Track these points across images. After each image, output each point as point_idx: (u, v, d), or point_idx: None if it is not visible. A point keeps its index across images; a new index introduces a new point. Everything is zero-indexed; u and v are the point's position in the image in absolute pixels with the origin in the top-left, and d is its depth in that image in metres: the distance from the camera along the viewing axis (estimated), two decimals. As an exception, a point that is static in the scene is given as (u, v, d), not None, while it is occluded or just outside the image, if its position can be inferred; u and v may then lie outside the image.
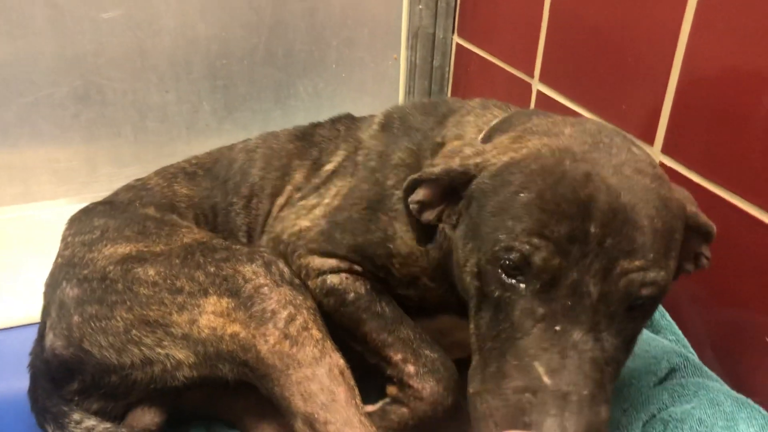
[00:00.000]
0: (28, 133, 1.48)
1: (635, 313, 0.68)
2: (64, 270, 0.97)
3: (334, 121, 1.17)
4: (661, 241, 0.66)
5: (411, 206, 0.80)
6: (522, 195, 0.68)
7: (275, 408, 0.88)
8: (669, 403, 0.92)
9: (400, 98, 1.74)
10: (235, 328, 0.85)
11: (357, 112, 1.65)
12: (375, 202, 0.96)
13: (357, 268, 0.96)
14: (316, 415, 0.82)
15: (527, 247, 0.65)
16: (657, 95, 1.05)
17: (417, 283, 0.96)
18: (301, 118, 1.65)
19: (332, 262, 0.96)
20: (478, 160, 0.75)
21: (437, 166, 0.78)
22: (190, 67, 1.54)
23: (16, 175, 1.51)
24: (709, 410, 0.89)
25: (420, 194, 0.79)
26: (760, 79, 0.89)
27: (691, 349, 1.03)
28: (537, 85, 1.36)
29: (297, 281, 0.92)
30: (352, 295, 0.94)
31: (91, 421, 0.89)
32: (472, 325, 0.74)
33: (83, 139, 1.53)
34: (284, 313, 0.86)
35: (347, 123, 1.15)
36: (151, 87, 1.53)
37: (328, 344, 0.86)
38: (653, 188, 0.68)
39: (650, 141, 1.07)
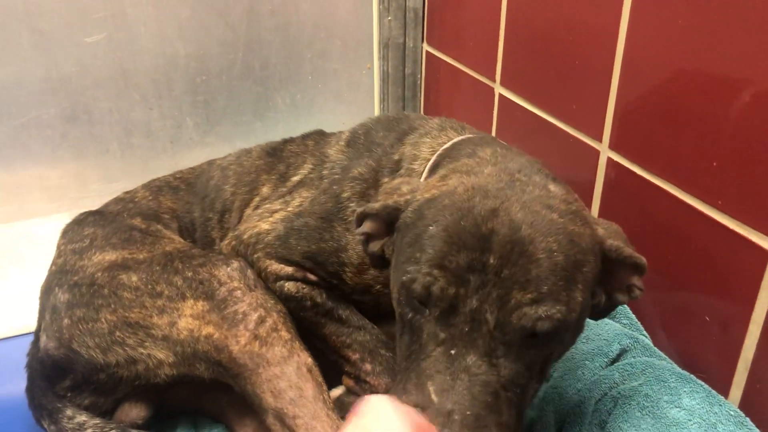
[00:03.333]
0: (19, 154, 1.53)
1: (536, 342, 0.70)
2: (57, 276, 1.03)
3: (305, 137, 1.22)
4: (561, 275, 0.68)
5: (358, 237, 0.86)
6: (431, 228, 0.71)
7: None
8: (619, 382, 0.98)
9: (375, 106, 1.79)
10: (210, 329, 0.91)
11: (334, 121, 1.72)
12: (330, 213, 1.01)
13: (311, 277, 1.01)
14: (285, 410, 0.87)
15: (427, 278, 0.69)
16: (602, 95, 1.11)
17: (370, 290, 1.00)
18: (281, 128, 1.71)
19: (288, 270, 1.00)
20: (408, 197, 0.80)
21: (379, 201, 0.83)
22: (172, 84, 1.59)
23: (9, 194, 1.56)
24: (655, 386, 0.95)
25: (366, 227, 0.85)
26: (692, 77, 0.95)
27: (644, 332, 1.09)
28: (499, 89, 1.42)
29: (270, 287, 0.98)
30: (309, 302, 1.00)
31: (82, 417, 0.95)
32: (397, 344, 0.79)
33: (72, 157, 1.58)
34: (255, 315, 0.91)
35: (316, 138, 1.20)
36: (135, 105, 1.58)
37: (297, 344, 0.92)
38: (560, 223, 0.70)
39: (599, 138, 1.13)
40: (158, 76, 1.58)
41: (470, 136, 1.00)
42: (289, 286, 1.00)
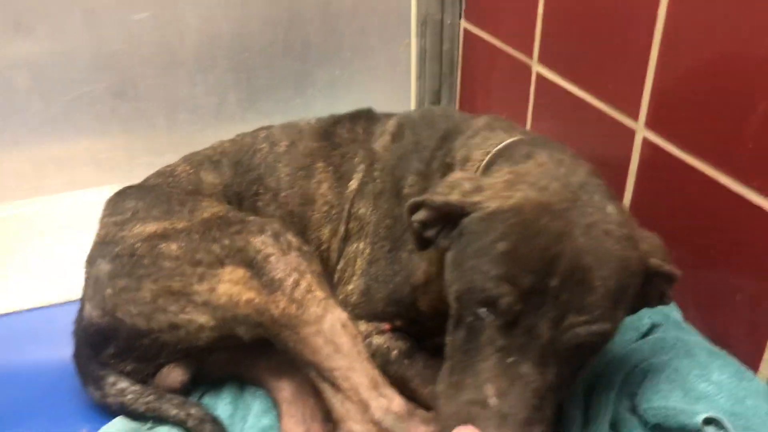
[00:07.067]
0: (71, 127, 1.59)
1: (583, 350, 0.78)
2: (99, 248, 1.08)
3: (354, 120, 1.24)
4: (611, 299, 0.76)
5: (414, 224, 0.89)
6: (500, 244, 0.77)
7: (291, 366, 1.00)
8: (649, 356, 1.00)
9: (412, 83, 1.81)
10: (250, 294, 0.96)
11: (372, 97, 1.74)
12: (396, 240, 1.05)
13: (397, 323, 1.06)
14: (323, 365, 0.94)
15: (496, 291, 0.75)
16: (639, 74, 1.11)
17: (440, 312, 1.02)
18: (320, 104, 1.74)
19: (376, 324, 1.06)
20: (474, 199, 0.83)
21: (439, 194, 0.86)
22: (215, 61, 1.63)
23: (62, 166, 1.63)
24: (685, 360, 0.97)
25: (422, 215, 0.88)
26: (731, 56, 0.95)
27: (676, 308, 1.11)
28: (536, 67, 1.43)
29: (304, 248, 1.02)
30: (395, 352, 1.03)
31: (124, 383, 1.02)
32: (448, 336, 0.84)
33: (121, 131, 1.64)
34: (290, 280, 0.96)
35: (365, 125, 1.22)
36: (180, 81, 1.62)
37: (331, 302, 0.97)
38: (615, 250, 0.77)
39: (635, 117, 1.14)
40: (202, 54, 1.62)
41: (521, 137, 1.01)
42: (377, 340, 1.04)
